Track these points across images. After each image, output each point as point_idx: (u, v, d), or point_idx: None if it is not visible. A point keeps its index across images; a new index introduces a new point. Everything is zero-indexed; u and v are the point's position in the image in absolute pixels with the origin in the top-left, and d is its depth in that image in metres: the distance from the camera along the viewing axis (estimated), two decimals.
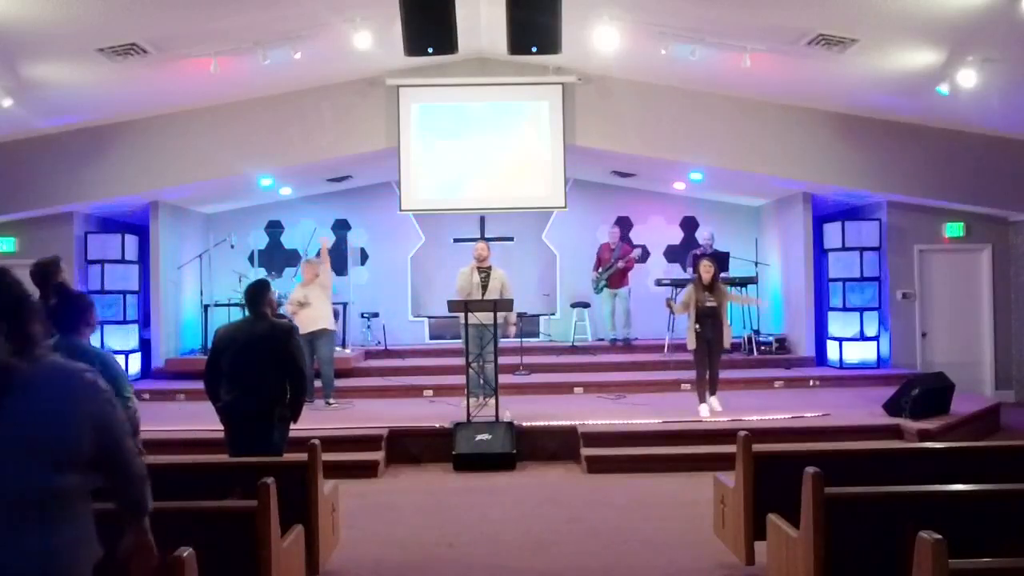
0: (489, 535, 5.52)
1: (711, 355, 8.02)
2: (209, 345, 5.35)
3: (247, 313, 5.24)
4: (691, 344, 7.97)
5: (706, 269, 7.93)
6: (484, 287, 8.54)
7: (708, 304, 7.82)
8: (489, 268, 8.71)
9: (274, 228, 12.67)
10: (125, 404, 3.81)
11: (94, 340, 4.03)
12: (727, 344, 7.91)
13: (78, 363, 2.10)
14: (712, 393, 8.20)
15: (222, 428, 5.06)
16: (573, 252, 12.66)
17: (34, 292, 4.54)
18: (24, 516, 1.88)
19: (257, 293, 5.14)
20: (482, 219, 12.26)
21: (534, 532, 5.56)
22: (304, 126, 9.96)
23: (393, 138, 10.25)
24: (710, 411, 8.06)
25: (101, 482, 2.12)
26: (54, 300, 3.96)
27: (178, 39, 7.68)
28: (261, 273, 11.54)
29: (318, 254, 9.49)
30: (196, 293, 11.47)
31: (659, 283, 11.75)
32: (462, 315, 8.31)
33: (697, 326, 7.86)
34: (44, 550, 1.89)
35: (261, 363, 4.90)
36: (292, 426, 5.17)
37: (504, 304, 8.10)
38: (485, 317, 8.04)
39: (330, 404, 8.73)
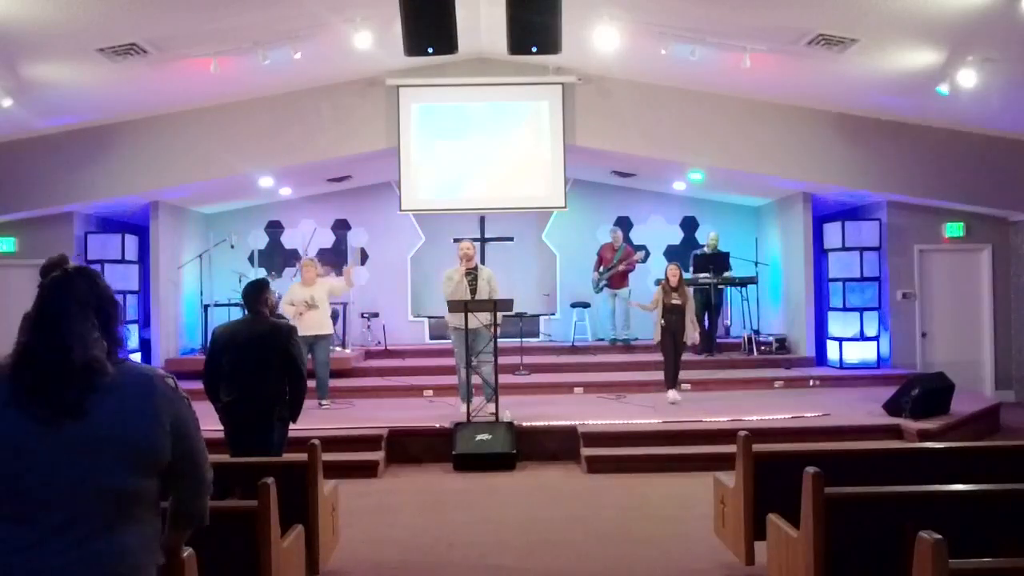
0: (489, 535, 5.52)
1: (676, 347, 8.74)
2: (208, 345, 5.35)
3: (245, 312, 5.23)
4: (656, 337, 8.85)
5: (673, 273, 8.88)
6: (473, 291, 8.23)
7: (674, 302, 8.74)
8: (475, 269, 8.42)
9: (274, 228, 12.68)
10: None
11: None
12: (688, 340, 8.84)
13: (155, 368, 2.09)
14: (672, 385, 8.83)
15: (222, 428, 5.06)
16: (573, 252, 12.67)
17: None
18: (97, 516, 1.87)
19: (254, 292, 5.12)
20: (482, 219, 12.27)
21: (534, 532, 5.56)
22: (304, 126, 9.96)
23: (393, 138, 10.25)
24: (676, 398, 8.76)
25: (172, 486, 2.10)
26: None
27: (178, 39, 7.68)
28: (261, 273, 11.55)
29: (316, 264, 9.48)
30: (196, 293, 11.47)
31: (659, 283, 11.74)
32: (452, 319, 8.25)
33: (663, 321, 8.73)
34: (113, 550, 1.88)
35: (261, 363, 4.90)
36: (292, 426, 5.16)
37: (504, 304, 7.98)
38: (480, 318, 7.95)
39: (323, 405, 8.73)
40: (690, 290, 9.34)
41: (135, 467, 1.91)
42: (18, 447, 1.84)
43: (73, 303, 1.96)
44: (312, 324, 8.58)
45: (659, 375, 9.07)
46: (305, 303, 8.65)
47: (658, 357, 10.64)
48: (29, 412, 1.84)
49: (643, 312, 9.71)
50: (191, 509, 2.18)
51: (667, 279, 8.90)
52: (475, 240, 11.29)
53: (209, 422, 5.34)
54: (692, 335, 8.84)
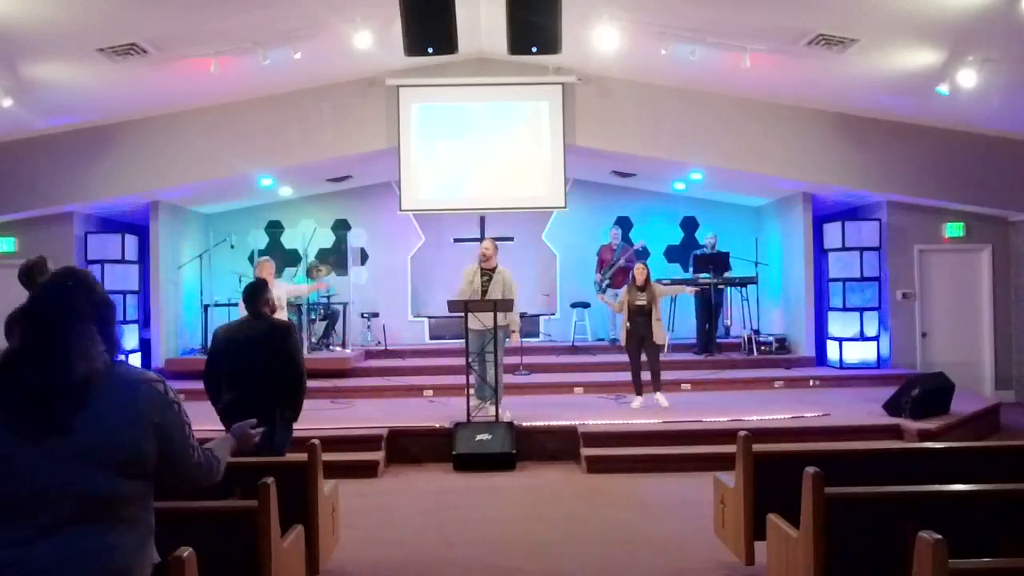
0: (489, 535, 5.52)
1: (646, 351, 8.30)
2: (208, 345, 5.34)
3: (246, 313, 5.22)
4: (622, 340, 8.49)
5: (639, 272, 8.41)
6: (484, 292, 8.00)
7: (638, 303, 8.26)
8: (493, 270, 8.13)
9: (274, 228, 12.68)
10: None
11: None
12: (660, 341, 8.33)
13: (146, 371, 2.08)
14: (656, 389, 8.41)
15: (222, 428, 5.05)
16: (573, 252, 12.68)
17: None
18: (83, 518, 1.87)
19: (255, 293, 5.10)
20: (482, 219, 12.26)
21: (534, 532, 5.56)
22: (304, 126, 9.97)
23: (393, 138, 10.25)
24: (641, 405, 8.38)
25: (163, 486, 2.11)
26: None
27: (178, 39, 7.68)
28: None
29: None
30: (196, 293, 11.48)
31: (658, 283, 11.74)
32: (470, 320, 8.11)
33: (628, 324, 8.31)
34: (100, 550, 1.88)
35: (260, 363, 4.88)
36: (292, 425, 5.15)
37: (503, 304, 7.81)
38: (487, 320, 7.76)
39: None
40: (670, 288, 9.19)
41: (118, 472, 1.91)
42: None
43: (73, 313, 1.93)
44: None
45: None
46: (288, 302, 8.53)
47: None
48: (10, 424, 1.84)
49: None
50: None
51: (634, 278, 8.38)
52: (475, 240, 11.29)
53: (209, 422, 5.37)
54: (661, 336, 8.27)
